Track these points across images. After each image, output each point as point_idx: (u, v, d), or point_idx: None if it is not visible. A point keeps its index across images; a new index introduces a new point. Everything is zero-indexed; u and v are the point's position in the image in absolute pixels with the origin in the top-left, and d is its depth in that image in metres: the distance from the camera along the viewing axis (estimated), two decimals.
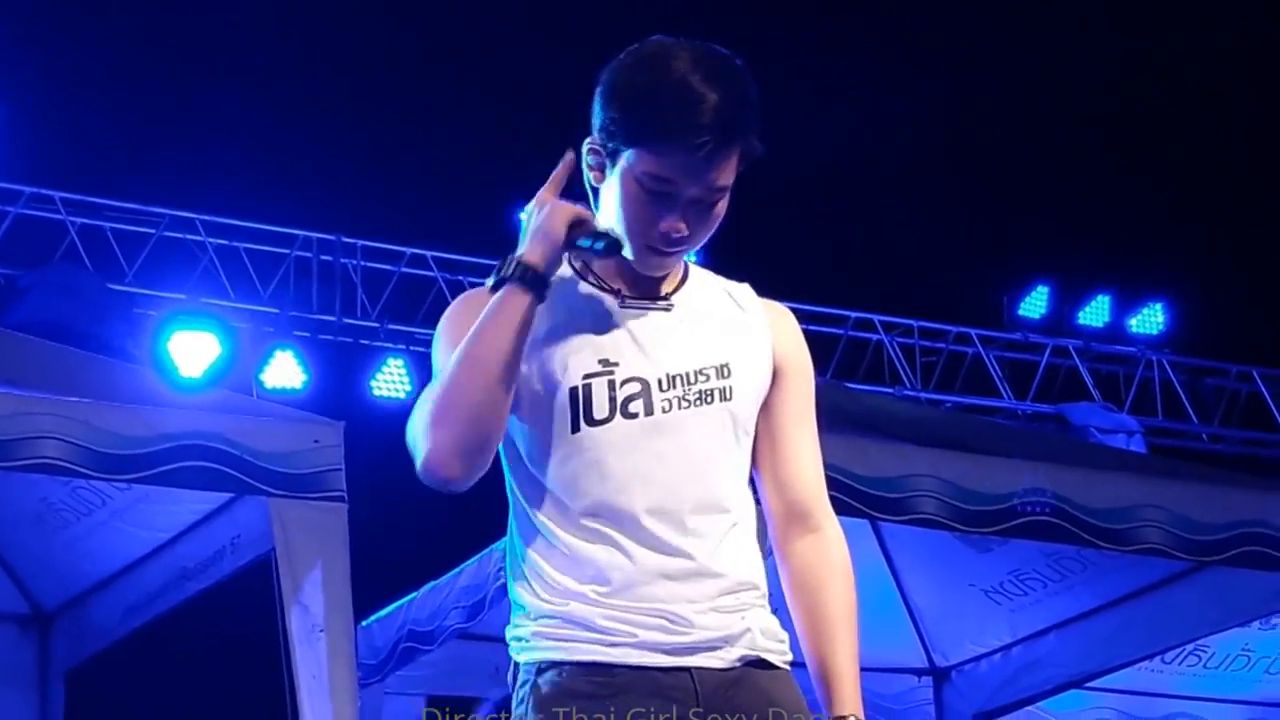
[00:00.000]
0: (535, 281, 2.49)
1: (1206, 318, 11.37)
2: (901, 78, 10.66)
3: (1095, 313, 11.28)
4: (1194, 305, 11.37)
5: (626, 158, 2.52)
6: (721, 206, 2.57)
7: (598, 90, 2.56)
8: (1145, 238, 10.98)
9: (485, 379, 2.46)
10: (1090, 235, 11.25)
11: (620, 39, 2.62)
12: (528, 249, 2.50)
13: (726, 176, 2.53)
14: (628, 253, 2.57)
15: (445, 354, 2.55)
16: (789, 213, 10.37)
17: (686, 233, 2.53)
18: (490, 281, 2.52)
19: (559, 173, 2.56)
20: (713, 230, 2.58)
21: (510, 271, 2.49)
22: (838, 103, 10.31)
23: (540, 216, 2.52)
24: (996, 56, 10.73)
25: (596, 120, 2.56)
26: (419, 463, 2.49)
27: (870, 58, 10.66)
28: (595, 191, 2.62)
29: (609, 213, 2.58)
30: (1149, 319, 11.36)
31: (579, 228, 2.52)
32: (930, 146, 10.93)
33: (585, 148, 2.59)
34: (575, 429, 2.53)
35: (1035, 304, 11.15)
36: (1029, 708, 7.69)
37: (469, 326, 2.51)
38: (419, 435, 2.49)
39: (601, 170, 2.58)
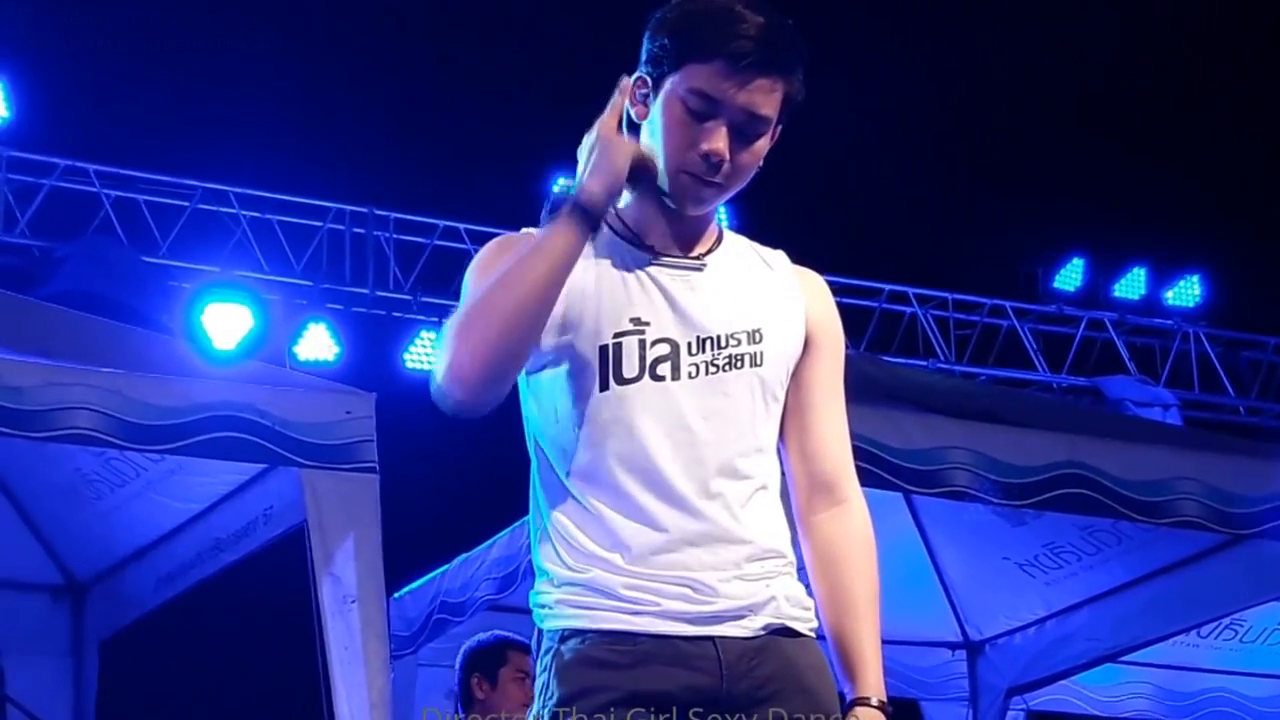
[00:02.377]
0: (590, 216, 2.48)
1: (1243, 290, 11.29)
2: (936, 49, 10.60)
3: (1131, 285, 11.22)
4: (1231, 277, 11.30)
5: (671, 81, 2.52)
6: (761, 146, 2.55)
7: (647, 28, 2.57)
8: (1182, 209, 10.90)
9: (521, 299, 2.43)
10: (1126, 206, 11.18)
11: (649, 6, 2.61)
12: (587, 183, 2.49)
13: (768, 106, 2.52)
14: (664, 186, 2.56)
15: (475, 286, 2.53)
16: (823, 185, 10.32)
17: (726, 157, 2.51)
18: (545, 211, 2.51)
19: (619, 100, 2.56)
20: (750, 174, 2.57)
21: (568, 205, 2.48)
22: (873, 74, 10.26)
23: (600, 153, 2.51)
24: (1032, 27, 10.67)
25: (645, 52, 2.57)
26: (437, 376, 2.46)
27: (905, 28, 10.61)
28: (635, 130, 2.60)
29: (650, 145, 2.57)
30: (1185, 291, 11.29)
31: (640, 164, 2.52)
32: (966, 118, 10.87)
33: (630, 83, 2.59)
34: (604, 387, 2.52)
35: (1070, 276, 11.10)
36: (1063, 682, 7.67)
37: (501, 265, 2.49)
38: (441, 347, 2.47)
39: (645, 103, 2.57)
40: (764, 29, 2.49)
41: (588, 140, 2.53)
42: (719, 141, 2.50)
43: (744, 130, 2.52)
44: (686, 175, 2.53)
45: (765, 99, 2.51)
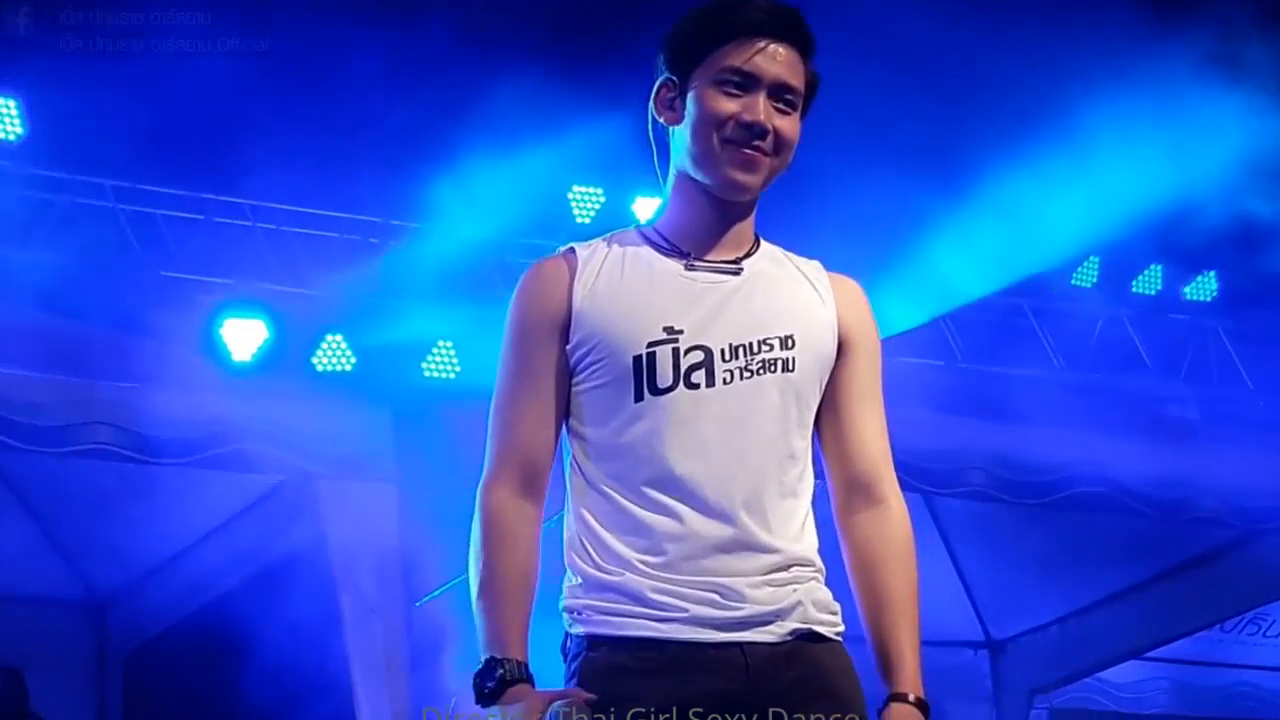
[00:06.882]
0: None
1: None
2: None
3: (1148, 281, 11.19)
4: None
5: (698, 73, 2.58)
6: (794, 121, 2.59)
7: (663, 41, 2.63)
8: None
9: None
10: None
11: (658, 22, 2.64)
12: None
13: (795, 77, 2.58)
14: (705, 178, 2.59)
15: (507, 353, 2.60)
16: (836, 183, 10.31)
17: (765, 123, 2.55)
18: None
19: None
20: (787, 151, 2.60)
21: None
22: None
23: None
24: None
25: (666, 61, 2.62)
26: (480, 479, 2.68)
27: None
28: (663, 146, 2.65)
29: (686, 143, 2.60)
30: (1203, 287, 11.26)
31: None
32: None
33: (652, 99, 2.64)
34: (639, 397, 2.54)
35: (1087, 273, 11.07)
36: (1086, 679, 7.67)
37: (531, 312, 2.57)
38: (485, 448, 2.62)
39: (673, 108, 2.61)
40: (772, 5, 2.58)
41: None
42: (757, 110, 2.55)
43: (776, 97, 2.57)
44: (729, 145, 2.57)
45: (790, 70, 2.57)
